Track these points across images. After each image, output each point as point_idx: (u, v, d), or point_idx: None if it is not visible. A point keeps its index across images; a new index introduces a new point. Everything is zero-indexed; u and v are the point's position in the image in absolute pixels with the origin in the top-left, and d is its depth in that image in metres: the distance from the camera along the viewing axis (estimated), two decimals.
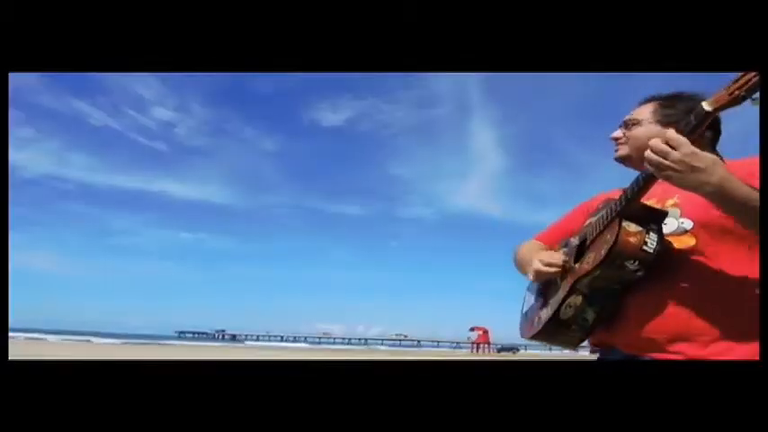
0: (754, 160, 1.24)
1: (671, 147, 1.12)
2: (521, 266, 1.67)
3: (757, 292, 1.20)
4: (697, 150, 1.11)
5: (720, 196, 1.13)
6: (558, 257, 1.44)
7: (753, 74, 1.05)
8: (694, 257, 1.29)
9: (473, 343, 31.37)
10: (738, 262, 1.27)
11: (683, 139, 1.11)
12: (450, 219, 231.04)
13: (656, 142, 1.14)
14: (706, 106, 1.10)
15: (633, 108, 1.51)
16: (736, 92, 1.06)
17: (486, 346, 30.31)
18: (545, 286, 1.54)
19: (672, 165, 1.11)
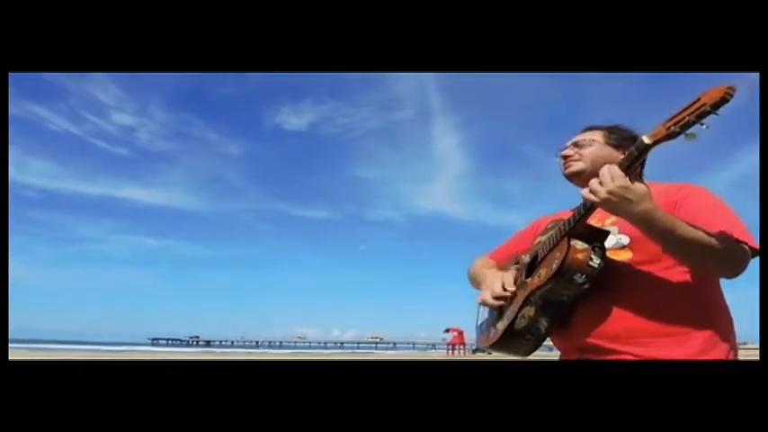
0: (681, 187, 1.45)
1: (611, 177, 1.26)
2: (474, 284, 1.82)
3: (688, 298, 1.38)
4: (629, 184, 1.25)
5: (644, 224, 1.28)
6: (507, 285, 1.57)
7: (687, 112, 1.14)
8: (631, 269, 1.44)
9: (449, 344, 31.48)
10: (670, 272, 1.42)
11: (619, 173, 1.25)
12: (418, 221, 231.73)
13: (604, 172, 1.28)
14: (646, 139, 1.21)
15: (578, 134, 1.66)
16: (672, 127, 1.16)
17: (461, 347, 30.43)
18: None
19: (607, 195, 1.25)
